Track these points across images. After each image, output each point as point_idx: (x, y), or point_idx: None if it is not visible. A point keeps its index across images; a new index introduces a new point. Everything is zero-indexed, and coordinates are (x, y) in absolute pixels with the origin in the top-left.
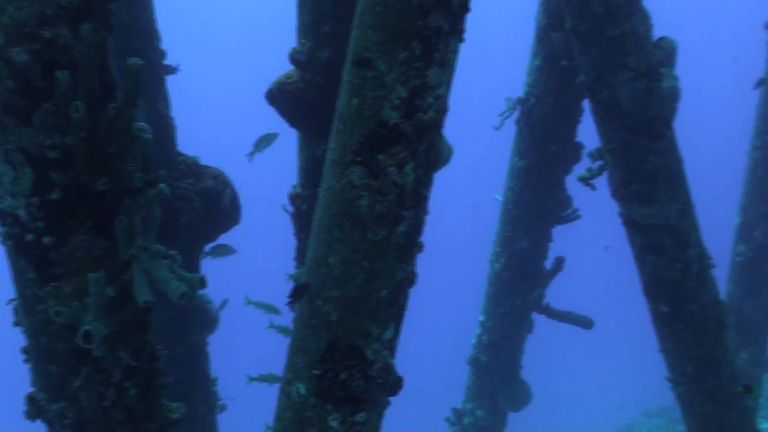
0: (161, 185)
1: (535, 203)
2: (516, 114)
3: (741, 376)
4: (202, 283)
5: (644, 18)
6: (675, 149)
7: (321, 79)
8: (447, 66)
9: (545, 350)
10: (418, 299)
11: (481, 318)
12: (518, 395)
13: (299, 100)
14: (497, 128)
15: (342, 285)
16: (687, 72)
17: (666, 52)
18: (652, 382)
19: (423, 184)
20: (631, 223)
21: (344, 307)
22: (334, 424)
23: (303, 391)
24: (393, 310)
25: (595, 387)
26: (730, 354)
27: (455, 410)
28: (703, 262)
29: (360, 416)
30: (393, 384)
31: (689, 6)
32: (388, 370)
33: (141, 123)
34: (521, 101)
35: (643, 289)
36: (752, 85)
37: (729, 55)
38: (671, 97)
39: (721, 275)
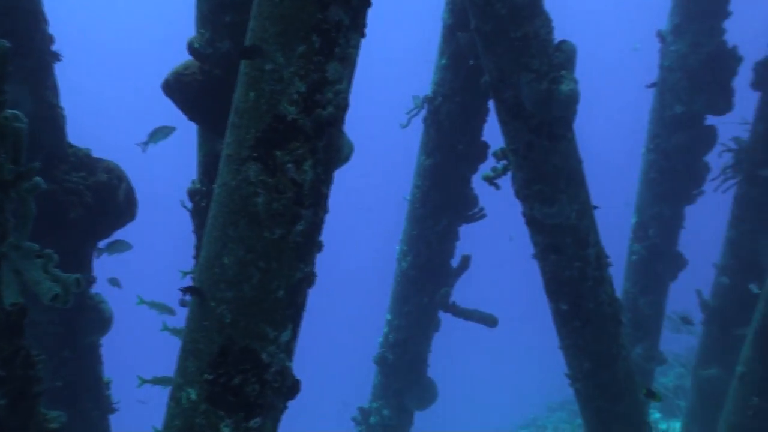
0: (37, 178)
1: (442, 202)
2: (423, 112)
3: (635, 370)
4: (78, 284)
5: (546, 21)
6: (575, 150)
7: (220, 72)
8: (348, 61)
9: (453, 348)
10: (331, 301)
11: (388, 316)
12: (424, 393)
13: (197, 92)
14: (404, 126)
15: (236, 285)
16: (587, 73)
17: (566, 55)
18: (556, 377)
19: (322, 181)
20: (533, 223)
21: (239, 308)
22: (226, 431)
23: (194, 396)
24: (291, 311)
25: (501, 383)
26: (625, 350)
27: (361, 409)
28: (600, 261)
29: (254, 422)
30: (290, 388)
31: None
32: (285, 373)
33: (13, 110)
34: (428, 99)
35: (544, 287)
36: (646, 85)
37: (629, 59)
38: (571, 99)
39: (618, 273)
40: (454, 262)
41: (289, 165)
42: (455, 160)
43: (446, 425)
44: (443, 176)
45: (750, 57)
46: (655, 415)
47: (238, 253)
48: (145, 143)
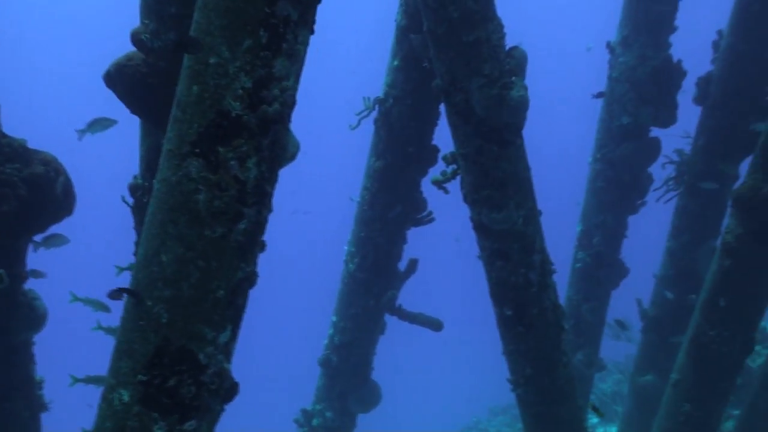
0: None
1: (390, 204)
2: (374, 114)
3: (575, 376)
4: (0, 279)
5: (498, 26)
6: (524, 157)
7: (165, 64)
8: (295, 57)
9: (399, 351)
10: (275, 303)
11: (334, 318)
12: (368, 396)
13: (140, 84)
14: (354, 128)
15: (175, 284)
16: (538, 81)
17: (517, 61)
18: (499, 381)
19: (267, 180)
20: (480, 228)
21: (176, 307)
22: None
23: (126, 398)
24: (230, 311)
25: (445, 386)
26: (566, 357)
27: (304, 411)
28: (545, 267)
29: (189, 425)
30: (228, 390)
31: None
32: (223, 375)
33: None
34: (380, 101)
35: (489, 292)
36: (592, 95)
37: (580, 68)
38: (521, 106)
39: (563, 280)
40: (402, 266)
41: (233, 162)
42: (405, 163)
43: (389, 427)
44: (392, 179)
45: (694, 72)
46: (593, 420)
47: (177, 251)
48: (82, 131)
